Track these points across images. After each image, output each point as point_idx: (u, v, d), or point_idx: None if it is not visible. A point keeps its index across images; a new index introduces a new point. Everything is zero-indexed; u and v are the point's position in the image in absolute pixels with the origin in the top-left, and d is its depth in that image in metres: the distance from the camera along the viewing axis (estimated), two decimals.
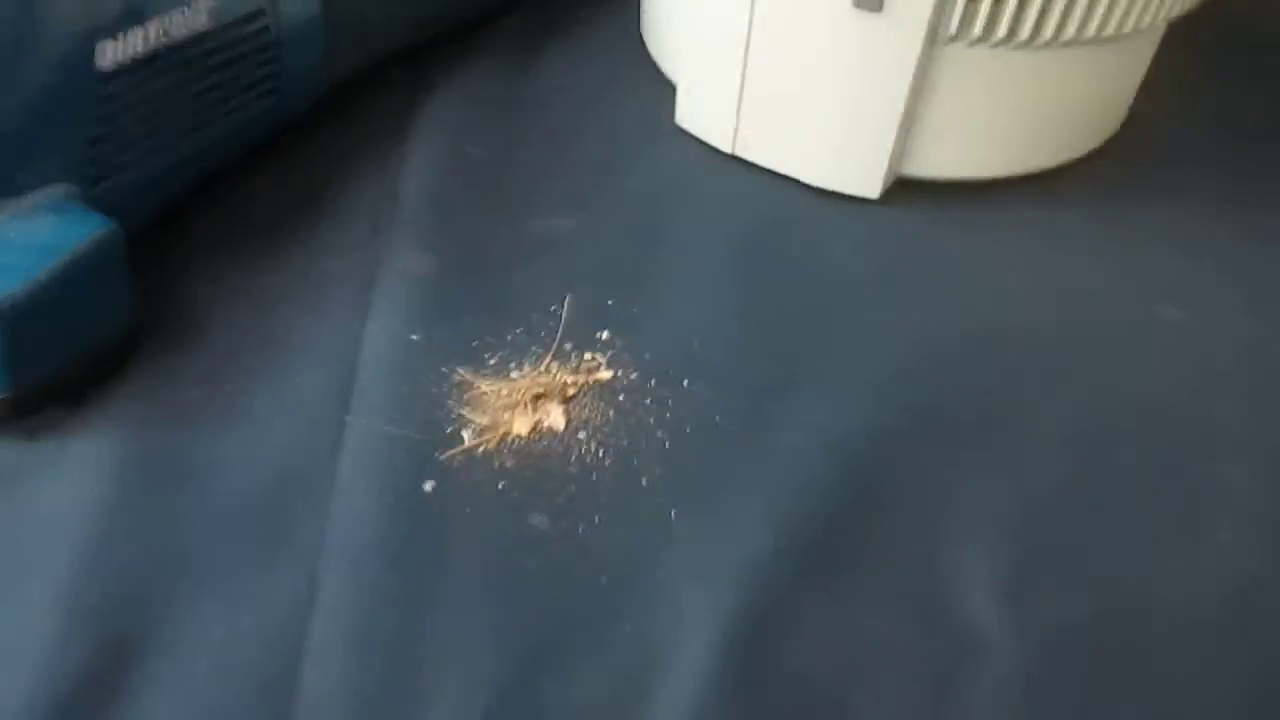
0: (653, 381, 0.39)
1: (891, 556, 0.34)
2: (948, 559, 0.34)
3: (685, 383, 0.39)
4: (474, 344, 0.39)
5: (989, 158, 0.47)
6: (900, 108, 0.43)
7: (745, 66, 0.45)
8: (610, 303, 0.41)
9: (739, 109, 0.46)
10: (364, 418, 0.36)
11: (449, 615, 0.32)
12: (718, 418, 0.38)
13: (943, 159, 0.46)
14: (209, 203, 0.44)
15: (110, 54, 0.35)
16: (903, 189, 0.47)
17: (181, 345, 0.38)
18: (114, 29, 0.35)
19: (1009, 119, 0.46)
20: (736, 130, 0.47)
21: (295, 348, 0.39)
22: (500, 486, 0.35)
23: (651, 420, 0.37)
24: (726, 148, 0.47)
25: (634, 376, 0.39)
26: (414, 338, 0.39)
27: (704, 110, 0.48)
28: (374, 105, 0.50)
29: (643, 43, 0.54)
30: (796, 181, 0.47)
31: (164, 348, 0.38)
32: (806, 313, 0.42)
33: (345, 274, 0.42)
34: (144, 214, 0.40)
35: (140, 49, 0.36)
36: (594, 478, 0.35)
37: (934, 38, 0.42)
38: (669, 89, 0.50)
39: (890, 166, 0.46)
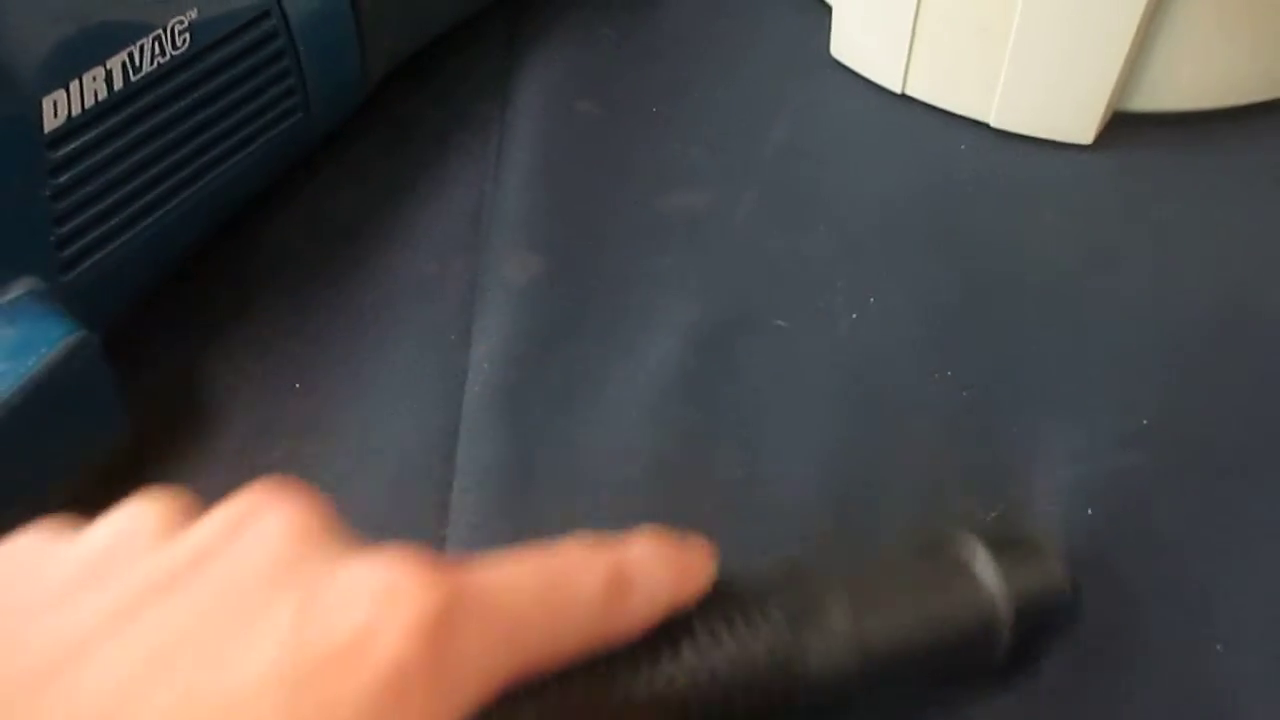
0: None
1: (1145, 671, 0.26)
2: (1223, 669, 0.26)
3: None
4: (593, 380, 0.32)
5: (1250, 76, 0.36)
6: (1139, 14, 0.33)
7: None
8: (760, 312, 0.34)
9: (913, 33, 0.38)
10: (473, 485, 0.30)
11: None
12: None
13: (1189, 82, 0.37)
14: (274, 207, 0.37)
15: (61, 109, 0.27)
16: (1118, 129, 0.38)
17: (250, 395, 0.33)
18: (63, 74, 0.27)
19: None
20: (909, 63, 0.39)
21: (387, 392, 0.33)
22: None
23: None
24: (895, 86, 0.40)
25: None
26: (518, 375, 0.32)
27: (867, 38, 0.40)
28: (464, 64, 0.43)
29: None
30: (985, 126, 0.39)
31: (230, 400, 0.33)
32: (1009, 306, 0.34)
33: (442, 288, 0.36)
34: (140, 289, 0.33)
35: (101, 96, 0.28)
36: None
37: None
38: (821, 12, 0.42)
39: (1111, 100, 0.36)
